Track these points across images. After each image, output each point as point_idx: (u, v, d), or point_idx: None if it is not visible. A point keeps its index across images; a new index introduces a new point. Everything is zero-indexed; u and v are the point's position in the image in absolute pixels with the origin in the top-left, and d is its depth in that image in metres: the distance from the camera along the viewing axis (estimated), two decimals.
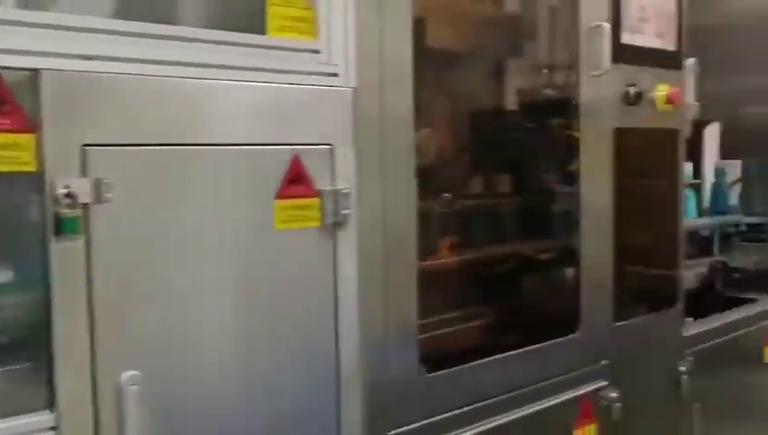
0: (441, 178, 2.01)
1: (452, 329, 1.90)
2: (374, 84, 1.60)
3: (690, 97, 3.03)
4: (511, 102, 2.31)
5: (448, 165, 2.02)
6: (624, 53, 2.24)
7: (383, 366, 1.61)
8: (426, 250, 1.96)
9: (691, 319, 2.64)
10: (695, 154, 3.68)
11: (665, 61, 2.40)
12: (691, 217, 3.34)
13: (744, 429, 2.88)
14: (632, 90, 2.27)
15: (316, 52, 1.50)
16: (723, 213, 3.49)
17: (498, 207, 2.13)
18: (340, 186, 1.53)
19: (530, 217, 2.27)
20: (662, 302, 2.47)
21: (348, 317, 1.55)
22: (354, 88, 1.56)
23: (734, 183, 3.52)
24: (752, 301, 3.16)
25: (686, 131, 3.02)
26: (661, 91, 2.38)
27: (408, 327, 1.67)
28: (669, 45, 2.43)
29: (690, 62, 2.99)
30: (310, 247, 1.49)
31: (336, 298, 1.53)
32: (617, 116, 2.23)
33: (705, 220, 3.26)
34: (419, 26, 2.05)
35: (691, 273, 3.00)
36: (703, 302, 2.92)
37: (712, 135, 3.64)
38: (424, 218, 1.95)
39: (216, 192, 1.36)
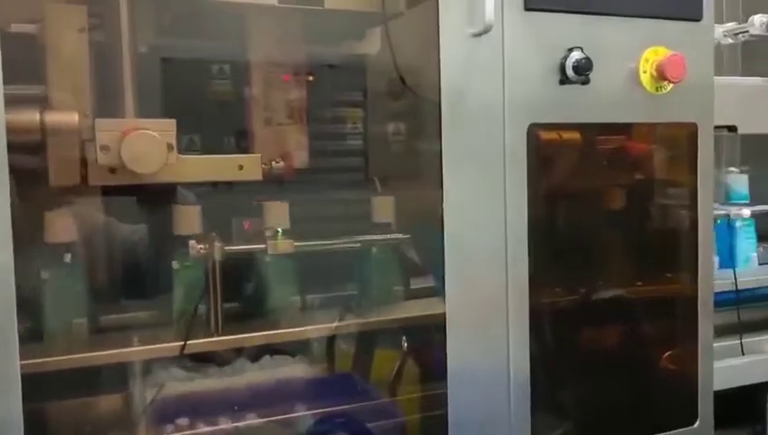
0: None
1: None
2: None
3: None
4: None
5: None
6: None
7: None
8: None
9: None
10: None
11: (657, 7, 1.41)
12: None
13: None
14: (574, 56, 1.32)
15: None
16: None
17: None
18: None
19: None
20: (662, 417, 1.45)
21: None
22: None
23: None
24: None
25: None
26: (649, 58, 1.39)
27: None
28: None
29: None
30: None
31: None
32: (540, 105, 1.30)
33: None
34: None
35: None
36: None
37: None
38: None
39: None
